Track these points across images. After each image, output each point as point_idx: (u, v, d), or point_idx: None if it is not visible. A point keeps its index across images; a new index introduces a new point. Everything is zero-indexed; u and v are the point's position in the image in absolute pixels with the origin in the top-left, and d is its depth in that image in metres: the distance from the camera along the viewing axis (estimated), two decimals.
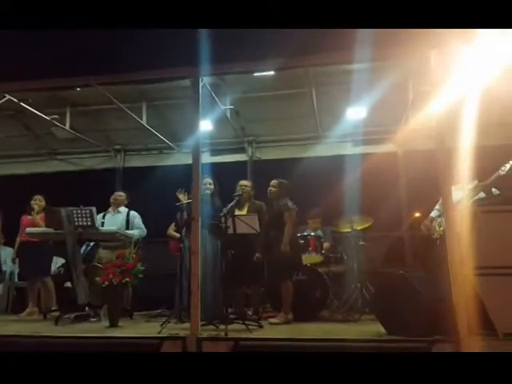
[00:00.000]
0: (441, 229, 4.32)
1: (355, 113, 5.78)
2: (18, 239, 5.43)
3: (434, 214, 4.61)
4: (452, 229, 2.89)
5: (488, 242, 2.88)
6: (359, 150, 6.44)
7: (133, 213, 5.27)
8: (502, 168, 3.89)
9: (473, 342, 2.61)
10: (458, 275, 2.77)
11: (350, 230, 5.08)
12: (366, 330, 3.63)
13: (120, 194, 5.40)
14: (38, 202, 5.30)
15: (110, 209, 5.32)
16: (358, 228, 5.11)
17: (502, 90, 3.55)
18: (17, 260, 5.59)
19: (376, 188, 5.47)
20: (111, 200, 5.33)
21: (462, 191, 4.35)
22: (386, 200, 5.29)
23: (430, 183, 4.50)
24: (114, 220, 5.17)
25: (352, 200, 5.34)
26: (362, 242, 5.13)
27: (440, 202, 4.62)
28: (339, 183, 5.65)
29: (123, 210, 5.31)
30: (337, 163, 6.11)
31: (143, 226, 5.23)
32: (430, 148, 3.27)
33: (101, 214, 5.20)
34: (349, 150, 6.49)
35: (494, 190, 3.97)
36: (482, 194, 3.97)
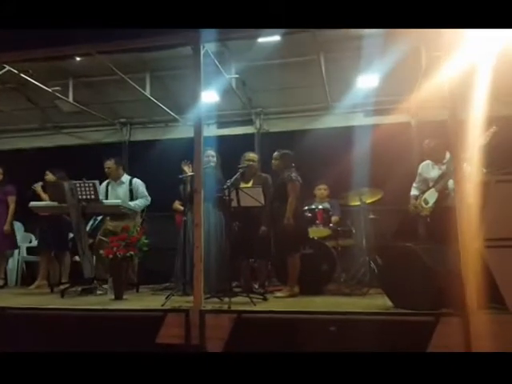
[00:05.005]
0: (428, 206, 4.24)
1: (366, 81, 5.53)
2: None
3: (414, 192, 4.52)
4: (463, 200, 2.78)
5: (500, 212, 2.75)
6: (370, 120, 6.22)
7: (135, 180, 5.08)
8: (484, 136, 3.69)
9: (481, 316, 2.53)
10: (467, 248, 2.66)
11: (359, 203, 4.94)
12: (373, 303, 3.58)
13: (107, 164, 5.06)
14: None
15: (110, 179, 5.13)
16: (368, 201, 4.96)
17: None
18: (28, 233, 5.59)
19: (388, 160, 5.28)
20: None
21: (438, 167, 4.26)
22: (398, 172, 5.11)
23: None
24: (117, 191, 5.04)
25: (362, 172, 5.18)
26: (372, 216, 4.99)
27: (417, 180, 4.53)
28: (350, 155, 5.48)
29: (125, 178, 5.11)
30: (347, 134, 5.91)
31: (147, 194, 5.03)
32: (444, 118, 3.12)
33: (104, 183, 5.07)
34: (360, 120, 6.26)
35: None
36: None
